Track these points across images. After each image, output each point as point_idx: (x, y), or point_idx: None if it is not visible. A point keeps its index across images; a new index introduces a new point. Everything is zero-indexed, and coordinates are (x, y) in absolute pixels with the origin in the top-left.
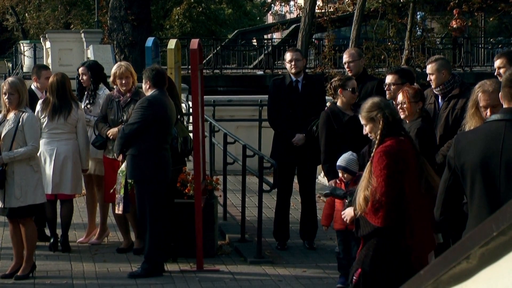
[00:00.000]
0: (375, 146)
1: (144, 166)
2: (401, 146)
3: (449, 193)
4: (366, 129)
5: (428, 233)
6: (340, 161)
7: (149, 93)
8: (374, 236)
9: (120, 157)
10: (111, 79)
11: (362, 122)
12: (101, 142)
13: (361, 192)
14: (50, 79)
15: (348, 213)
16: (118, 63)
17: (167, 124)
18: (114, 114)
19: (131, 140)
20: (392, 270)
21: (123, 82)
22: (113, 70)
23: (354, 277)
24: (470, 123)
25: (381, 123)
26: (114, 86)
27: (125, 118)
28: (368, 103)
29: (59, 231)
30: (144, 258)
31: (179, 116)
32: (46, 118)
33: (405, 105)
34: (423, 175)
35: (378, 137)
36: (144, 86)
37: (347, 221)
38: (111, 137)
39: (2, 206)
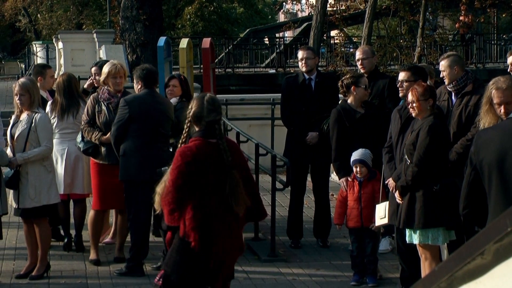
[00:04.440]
0: (179, 145)
1: (129, 166)
2: (203, 150)
3: (471, 188)
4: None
5: (231, 242)
6: (356, 155)
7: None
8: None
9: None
10: (102, 78)
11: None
12: (93, 148)
13: (160, 186)
14: (57, 80)
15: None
16: (111, 61)
17: (151, 122)
18: (105, 116)
19: (119, 141)
20: (190, 273)
21: (118, 81)
22: (107, 69)
23: (157, 277)
24: (484, 120)
25: (186, 121)
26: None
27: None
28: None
29: (73, 231)
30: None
31: None
32: (56, 118)
33: (414, 104)
34: (234, 190)
35: (184, 135)
36: (135, 85)
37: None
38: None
39: (17, 207)
